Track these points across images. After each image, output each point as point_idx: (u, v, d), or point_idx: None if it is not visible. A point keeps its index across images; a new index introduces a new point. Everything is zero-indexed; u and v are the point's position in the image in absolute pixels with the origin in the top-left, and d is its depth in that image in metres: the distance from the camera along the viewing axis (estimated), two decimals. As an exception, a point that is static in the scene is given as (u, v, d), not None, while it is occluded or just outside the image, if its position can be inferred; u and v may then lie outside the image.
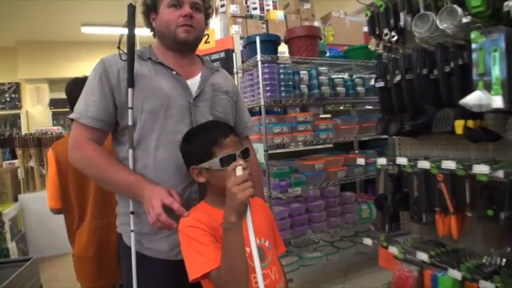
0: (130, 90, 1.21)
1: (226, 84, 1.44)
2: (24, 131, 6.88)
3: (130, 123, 1.22)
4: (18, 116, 7.28)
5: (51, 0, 5.46)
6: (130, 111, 1.21)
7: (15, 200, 4.07)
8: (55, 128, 5.99)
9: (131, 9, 1.22)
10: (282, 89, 2.42)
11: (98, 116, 1.21)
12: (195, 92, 1.30)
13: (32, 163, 4.15)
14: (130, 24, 1.23)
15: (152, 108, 1.23)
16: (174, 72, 1.29)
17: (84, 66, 7.33)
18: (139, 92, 1.23)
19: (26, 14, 5.87)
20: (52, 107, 7.42)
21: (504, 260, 1.30)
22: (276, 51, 2.57)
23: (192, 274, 1.02)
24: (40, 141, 4.22)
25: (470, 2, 1.30)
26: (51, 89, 7.63)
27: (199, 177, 1.14)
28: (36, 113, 7.45)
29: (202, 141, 1.12)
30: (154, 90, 1.24)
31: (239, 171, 1.00)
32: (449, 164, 1.37)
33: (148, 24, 1.37)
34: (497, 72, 1.22)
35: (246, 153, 1.14)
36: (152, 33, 1.39)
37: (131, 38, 1.23)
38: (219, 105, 1.36)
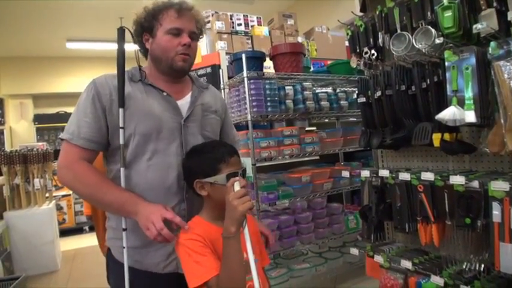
0: (121, 110, 1.24)
1: (215, 103, 1.49)
2: (7, 147, 6.77)
3: (121, 142, 1.25)
4: (1, 132, 7.15)
5: (35, 16, 5.45)
6: (121, 130, 1.24)
7: (0, 217, 3.99)
8: (40, 144, 5.93)
9: (121, 32, 1.26)
10: (268, 104, 2.48)
11: (90, 137, 1.24)
12: (185, 112, 1.34)
13: (17, 180, 4.09)
14: (120, 47, 1.27)
15: (144, 131, 1.27)
16: (164, 94, 1.33)
17: (68, 82, 7.31)
18: (132, 115, 1.26)
19: (10, 30, 5.84)
20: (36, 123, 7.34)
21: (483, 265, 1.36)
22: (261, 67, 2.64)
23: (193, 283, 1.09)
24: (26, 158, 4.18)
25: (443, 23, 1.39)
26: (35, 105, 7.56)
27: (202, 191, 1.21)
28: (20, 129, 7.35)
29: (210, 158, 1.21)
30: (146, 113, 1.27)
31: (237, 186, 1.10)
32: (428, 176, 1.44)
33: (140, 43, 1.38)
34: (469, 88, 1.30)
35: (244, 172, 1.24)
36: (141, 51, 1.41)
37: (121, 60, 1.26)
38: (208, 125, 1.41)
